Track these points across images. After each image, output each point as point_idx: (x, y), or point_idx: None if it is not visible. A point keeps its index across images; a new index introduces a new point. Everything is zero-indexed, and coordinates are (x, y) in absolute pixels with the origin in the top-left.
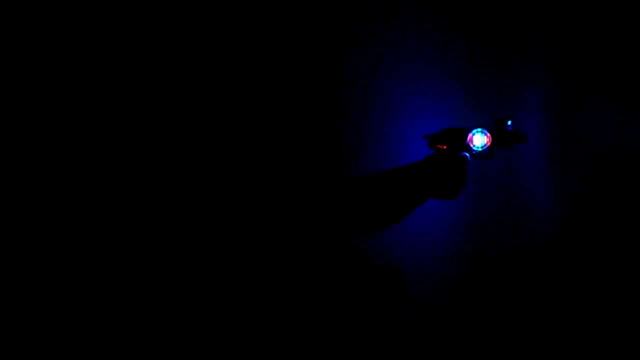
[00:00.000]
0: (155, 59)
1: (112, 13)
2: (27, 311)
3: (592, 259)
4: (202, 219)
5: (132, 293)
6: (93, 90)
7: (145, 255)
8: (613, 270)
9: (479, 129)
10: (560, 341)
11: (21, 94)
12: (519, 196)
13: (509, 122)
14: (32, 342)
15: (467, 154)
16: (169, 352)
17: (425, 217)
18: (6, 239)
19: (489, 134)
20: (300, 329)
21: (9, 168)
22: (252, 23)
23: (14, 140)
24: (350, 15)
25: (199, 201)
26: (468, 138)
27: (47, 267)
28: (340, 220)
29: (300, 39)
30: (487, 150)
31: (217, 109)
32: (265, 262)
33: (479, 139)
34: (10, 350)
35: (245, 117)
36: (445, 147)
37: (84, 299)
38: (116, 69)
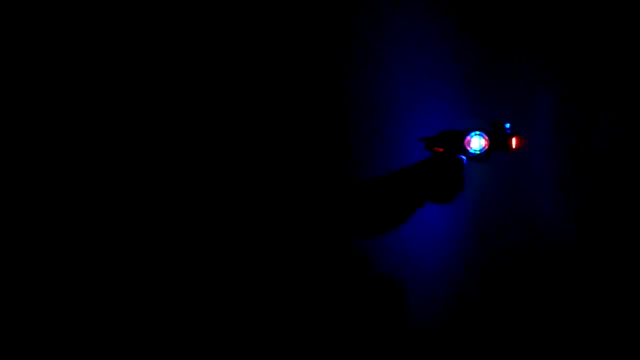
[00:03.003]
0: (159, 60)
1: (112, 13)
2: (27, 311)
3: (596, 264)
4: (206, 219)
5: (133, 292)
6: (93, 90)
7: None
8: (619, 278)
9: (477, 132)
10: (563, 347)
11: (21, 94)
12: (518, 200)
13: (507, 125)
14: (32, 342)
15: (464, 157)
16: (169, 352)
17: (424, 223)
18: (6, 239)
19: (486, 137)
20: (299, 332)
21: (9, 168)
22: (257, 24)
23: (14, 140)
24: (352, 18)
25: (203, 202)
26: (465, 141)
27: (47, 267)
28: (338, 224)
29: (302, 41)
30: (484, 153)
31: (221, 111)
32: (267, 263)
33: (476, 142)
34: (10, 350)
35: (247, 119)
36: (442, 149)
37: (84, 298)
38: (116, 69)
